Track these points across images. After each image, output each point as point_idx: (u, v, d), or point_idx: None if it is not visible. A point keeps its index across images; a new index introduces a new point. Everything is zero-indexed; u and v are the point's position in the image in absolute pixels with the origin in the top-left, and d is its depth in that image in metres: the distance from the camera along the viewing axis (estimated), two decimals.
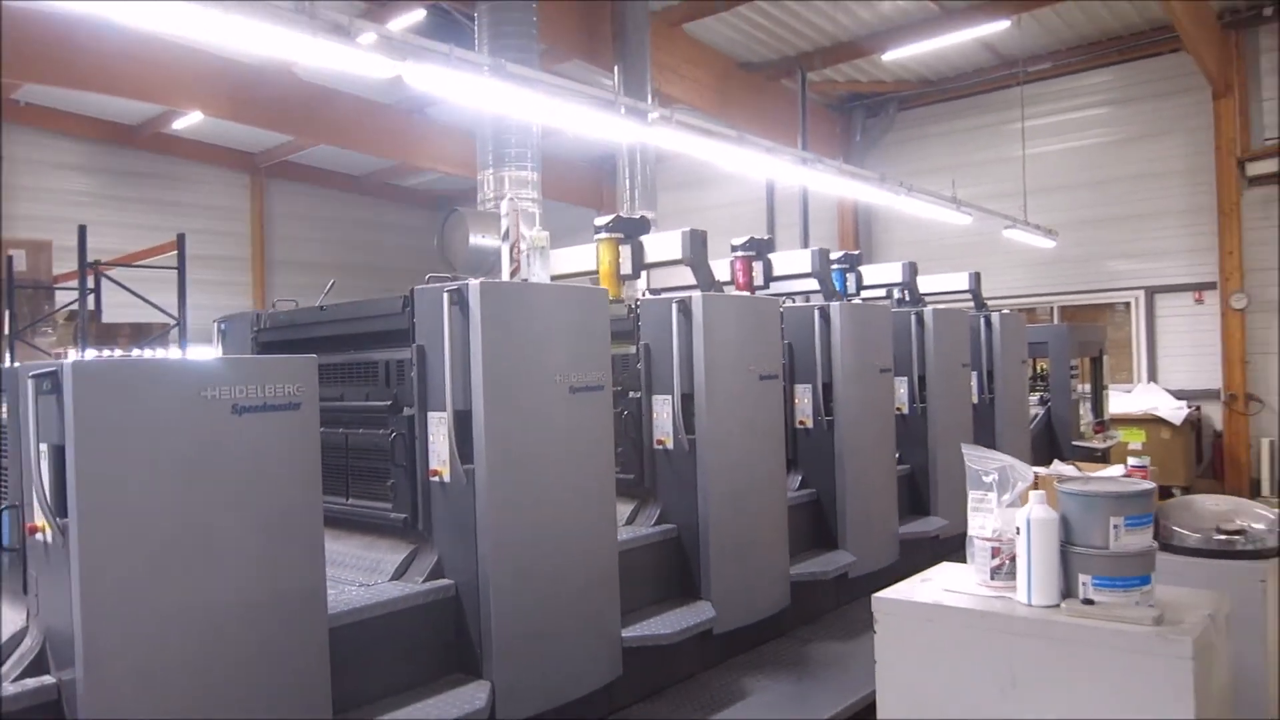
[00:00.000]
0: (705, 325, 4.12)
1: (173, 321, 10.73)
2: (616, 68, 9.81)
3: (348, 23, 4.55)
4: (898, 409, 5.90)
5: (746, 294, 5.55)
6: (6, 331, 10.63)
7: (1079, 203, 12.41)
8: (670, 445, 4.18)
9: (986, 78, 13.11)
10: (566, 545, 3.41)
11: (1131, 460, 3.20)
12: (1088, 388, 9.47)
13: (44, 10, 9.93)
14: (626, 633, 3.66)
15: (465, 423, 3.21)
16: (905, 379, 6.04)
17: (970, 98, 13.44)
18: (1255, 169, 10.89)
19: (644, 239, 4.93)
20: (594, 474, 3.57)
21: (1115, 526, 2.00)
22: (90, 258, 11.92)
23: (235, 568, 2.50)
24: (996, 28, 11.13)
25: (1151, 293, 11.95)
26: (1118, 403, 10.73)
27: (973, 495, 2.25)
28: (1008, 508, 2.17)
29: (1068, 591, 2.07)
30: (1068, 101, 12.69)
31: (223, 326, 4.47)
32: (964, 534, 5.28)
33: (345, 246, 19.14)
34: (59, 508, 2.30)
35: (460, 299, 3.20)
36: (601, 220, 5.11)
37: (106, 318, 11.41)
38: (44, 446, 2.31)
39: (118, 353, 10.65)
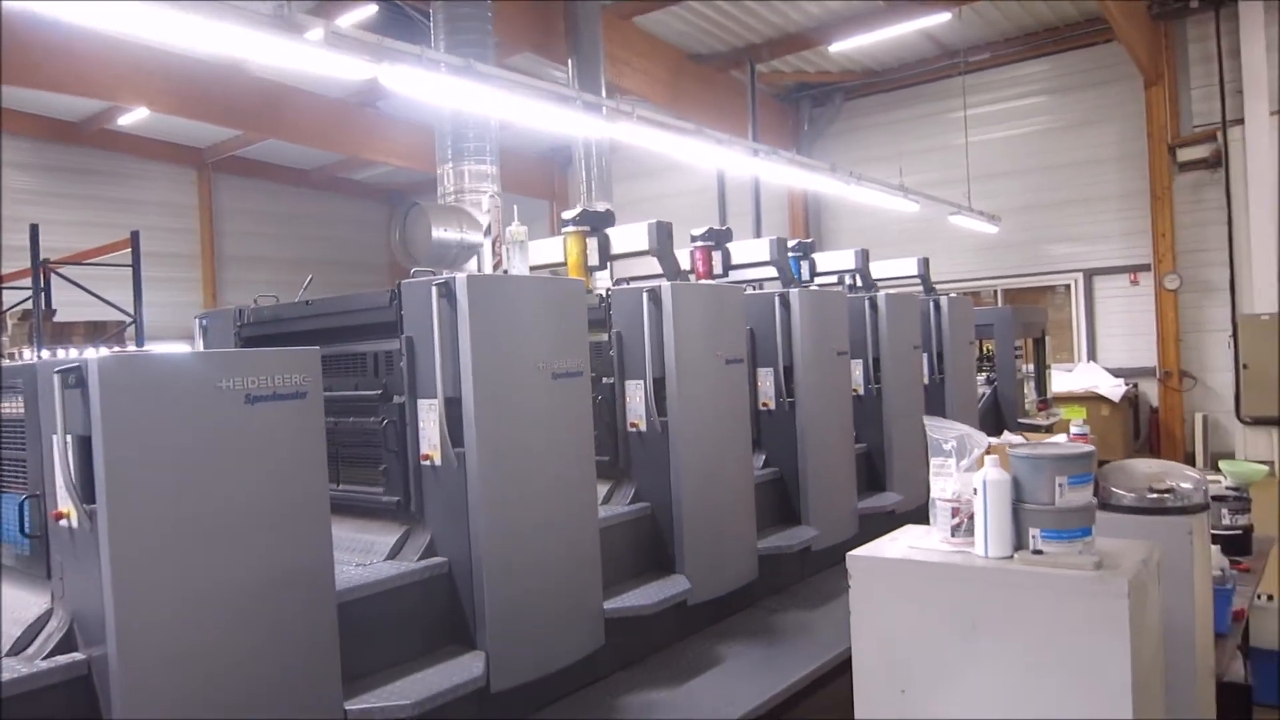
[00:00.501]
0: (675, 313, 4.27)
1: (128, 319, 10.71)
2: (570, 61, 9.97)
3: (323, 32, 4.65)
4: (854, 390, 6.08)
5: (712, 282, 5.70)
6: None
7: (1020, 189, 12.86)
8: (643, 428, 4.35)
9: (929, 68, 13.51)
10: (552, 523, 3.60)
11: (1073, 429, 3.48)
12: (1031, 368, 9.85)
13: None
14: (608, 605, 3.86)
15: (455, 409, 3.38)
16: (860, 361, 6.22)
17: (914, 87, 13.82)
18: (1185, 155, 11.40)
19: (610, 231, 5.12)
20: (576, 456, 3.77)
21: (1060, 485, 2.25)
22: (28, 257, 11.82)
23: (251, 548, 2.65)
24: (939, 19, 11.49)
25: (1090, 275, 12.43)
26: (1059, 381, 11.16)
27: (934, 461, 2.49)
28: (965, 472, 2.42)
29: (1019, 544, 2.31)
30: (1007, 90, 13.13)
31: (204, 323, 4.56)
32: (918, 508, 5.55)
33: (297, 241, 19.06)
34: (86, 494, 2.44)
35: (448, 292, 3.37)
36: (569, 214, 5.28)
37: (59, 316, 11.32)
38: (69, 438, 2.45)
39: (73, 352, 10.58)
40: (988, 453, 2.36)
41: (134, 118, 14.78)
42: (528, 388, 3.54)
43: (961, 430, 2.45)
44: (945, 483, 2.44)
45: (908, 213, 11.55)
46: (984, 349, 9.29)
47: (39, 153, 15.53)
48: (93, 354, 2.42)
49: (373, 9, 10.61)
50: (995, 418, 8.76)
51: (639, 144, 7.60)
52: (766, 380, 5.35)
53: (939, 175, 12.72)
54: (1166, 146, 11.50)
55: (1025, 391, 9.43)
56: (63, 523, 2.55)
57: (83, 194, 15.91)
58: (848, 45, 12.28)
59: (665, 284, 4.31)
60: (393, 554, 3.51)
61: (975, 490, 2.32)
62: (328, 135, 14.67)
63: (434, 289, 3.35)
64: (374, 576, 3.24)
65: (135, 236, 10.66)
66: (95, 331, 10.76)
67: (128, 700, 2.40)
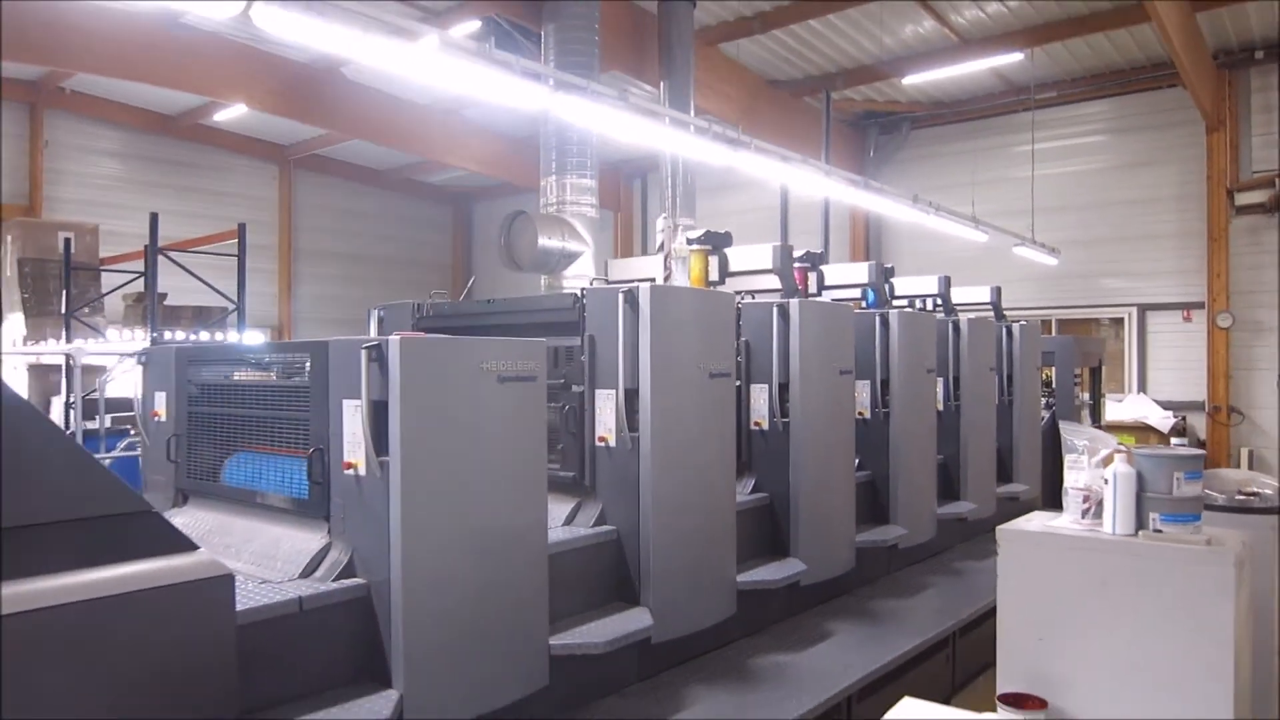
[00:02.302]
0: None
1: (231, 305, 11.40)
2: (663, 84, 10.57)
3: (478, 47, 5.28)
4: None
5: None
6: (63, 310, 11.25)
7: (1078, 223, 13.30)
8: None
9: (995, 102, 14.01)
10: (704, 500, 4.18)
11: (1174, 441, 3.99)
12: (1087, 396, 10.31)
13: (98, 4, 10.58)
14: (741, 576, 4.43)
15: (632, 399, 3.96)
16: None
17: (979, 120, 14.31)
18: (1243, 199, 11.82)
19: (733, 249, 5.69)
20: (720, 445, 4.35)
21: (1177, 478, 2.78)
22: (123, 242, 12.57)
23: (492, 501, 3.24)
24: (1011, 59, 11.99)
25: (1143, 309, 12.86)
26: (1110, 411, 11.60)
27: (1068, 458, 3.04)
28: (1095, 467, 2.96)
29: (1140, 525, 2.85)
30: (1070, 128, 13.59)
31: (381, 314, 5.17)
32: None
33: (366, 238, 19.82)
34: (380, 448, 3.03)
35: (632, 299, 3.95)
36: (693, 234, 5.84)
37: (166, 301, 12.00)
38: (364, 402, 3.03)
39: (179, 334, 11.30)
40: (1115, 452, 2.90)
41: (229, 114, 15.55)
42: (691, 384, 4.12)
43: (1092, 433, 3.00)
44: (1078, 475, 2.98)
45: (968, 240, 12.04)
46: (1044, 375, 9.76)
47: (132, 143, 16.34)
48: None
49: (475, 24, 11.26)
50: (1054, 439, 9.22)
51: (728, 164, 8.16)
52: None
53: (999, 206, 13.20)
54: (1225, 190, 11.93)
55: (1081, 417, 9.90)
56: (348, 472, 3.14)
57: (171, 183, 16.69)
58: (920, 79, 12.81)
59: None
60: (567, 521, 4.09)
61: (1105, 481, 2.86)
62: (411, 138, 15.35)
63: (620, 296, 3.93)
64: (560, 538, 3.82)
65: (242, 229, 11.34)
66: (201, 316, 11.46)
67: (406, 617, 2.98)
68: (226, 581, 2.43)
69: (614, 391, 3.99)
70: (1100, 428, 10.29)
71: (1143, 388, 12.75)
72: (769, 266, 5.44)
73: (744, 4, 11.36)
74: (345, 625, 3.03)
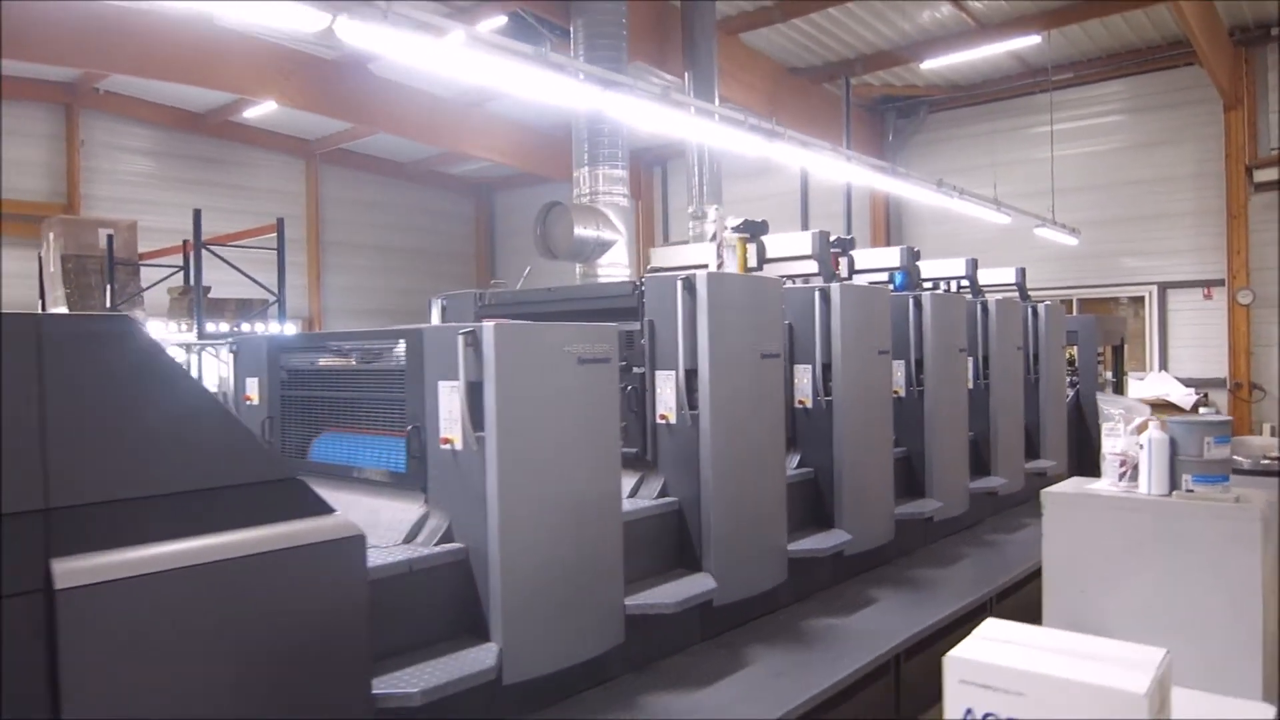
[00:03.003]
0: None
1: (272, 298, 11.74)
2: (687, 74, 10.81)
3: (534, 51, 5.57)
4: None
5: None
6: (108, 304, 11.60)
7: (1097, 203, 13.50)
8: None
9: (1012, 85, 14.19)
10: (758, 473, 4.47)
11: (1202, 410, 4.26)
12: (1109, 374, 10.54)
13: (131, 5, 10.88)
14: (791, 545, 4.73)
15: (692, 379, 4.25)
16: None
17: (996, 102, 14.51)
18: (1261, 176, 12.00)
19: (772, 236, 5.95)
20: (772, 422, 4.63)
21: (1207, 442, 3.05)
22: (156, 238, 12.90)
23: (576, 472, 3.53)
24: (1028, 42, 12.18)
25: (1164, 288, 13.07)
26: (1132, 389, 11.82)
27: (1105, 426, 3.31)
28: (1130, 434, 3.23)
29: (1174, 486, 3.12)
30: (1087, 108, 13.77)
31: (444, 303, 5.46)
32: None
33: (391, 230, 20.17)
34: (476, 425, 3.33)
35: (690, 286, 4.23)
36: (732, 222, 6.10)
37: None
38: (462, 383, 3.32)
39: (224, 326, 11.63)
40: (1149, 420, 3.17)
41: (259, 110, 15.88)
42: (744, 365, 4.40)
43: (1127, 403, 3.28)
44: (1115, 441, 3.25)
45: (987, 221, 12.27)
46: (1067, 354, 9.99)
47: (163, 140, 16.70)
48: (488, 324, 3.29)
49: (502, 19, 11.52)
50: (1078, 416, 9.46)
51: (763, 154, 8.42)
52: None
53: (1017, 188, 13.42)
54: (1244, 167, 12.11)
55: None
56: (445, 447, 3.44)
57: (201, 179, 17.04)
58: (938, 63, 13.01)
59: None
60: (631, 493, 4.39)
61: (1140, 446, 3.13)
62: (437, 131, 15.65)
63: (679, 282, 4.22)
64: (637, 506, 4.12)
65: (280, 224, 11.71)
66: (244, 308, 11.80)
67: (504, 578, 3.28)
68: (360, 541, 2.74)
69: (674, 372, 4.27)
70: None
71: (1164, 365, 12.97)
72: (809, 252, 5.70)
73: None
74: (446, 585, 3.33)
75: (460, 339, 3.30)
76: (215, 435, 2.52)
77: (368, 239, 19.74)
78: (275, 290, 11.56)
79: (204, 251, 11.49)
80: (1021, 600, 5.55)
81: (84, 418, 2.23)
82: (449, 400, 3.39)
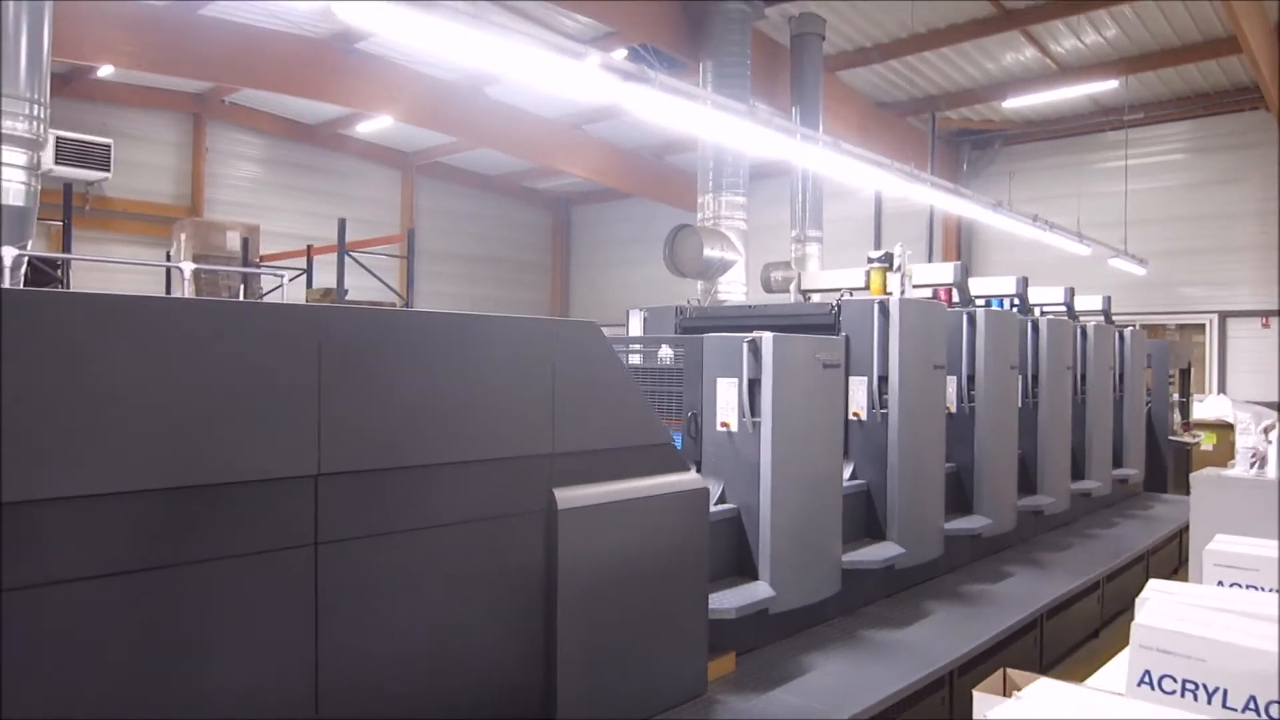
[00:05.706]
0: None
1: (401, 302, 12.84)
2: (795, 109, 11.84)
3: (699, 91, 6.60)
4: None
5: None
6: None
7: (1161, 235, 14.39)
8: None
9: (1085, 122, 15.10)
10: (930, 462, 5.48)
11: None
12: (1177, 395, 11.44)
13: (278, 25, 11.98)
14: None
15: (882, 384, 5.26)
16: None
17: (1068, 138, 15.41)
18: None
19: (916, 266, 6.93)
20: (937, 426, 5.63)
21: None
22: (266, 243, 13.96)
23: (817, 452, 4.55)
24: (1106, 86, 13.11)
25: (1224, 316, 13.93)
26: (1194, 410, 12.68)
27: (1239, 425, 4.29)
28: (1259, 432, 4.21)
29: None
30: (1155, 146, 14.68)
31: (645, 315, 6.48)
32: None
33: (475, 239, 21.30)
34: (753, 412, 4.35)
35: (884, 309, 5.25)
36: (874, 254, 7.03)
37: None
38: (743, 380, 4.34)
39: None
40: (1273, 423, 4.15)
41: (371, 125, 17.05)
42: (923, 374, 5.41)
43: (1254, 409, 4.25)
44: (1246, 439, 4.24)
45: (1053, 250, 13.16)
46: None
47: (273, 149, 17.88)
48: (764, 334, 4.31)
49: (622, 53, 12.57)
50: (1149, 433, 10.36)
51: (879, 186, 9.42)
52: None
53: (1087, 219, 14.31)
54: None
55: (1173, 414, 11.03)
56: (721, 429, 4.46)
57: (305, 186, 18.23)
58: (1019, 103, 13.97)
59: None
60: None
61: (1270, 441, 4.11)
62: (538, 149, 16.72)
63: (876, 305, 5.23)
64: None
65: (411, 235, 12.83)
66: None
67: (773, 531, 4.30)
68: (706, 493, 3.76)
69: (866, 378, 5.30)
70: (1189, 423, 11.44)
71: (1223, 388, 13.82)
72: (949, 281, 6.69)
73: (866, 36, 12.59)
74: (725, 536, 4.35)
75: (745, 345, 4.33)
76: (638, 410, 3.57)
77: (453, 247, 20.87)
78: (404, 294, 12.63)
79: (350, 257, 12.60)
80: (1071, 618, 5.80)
81: (575, 393, 3.27)
82: (727, 393, 4.42)
